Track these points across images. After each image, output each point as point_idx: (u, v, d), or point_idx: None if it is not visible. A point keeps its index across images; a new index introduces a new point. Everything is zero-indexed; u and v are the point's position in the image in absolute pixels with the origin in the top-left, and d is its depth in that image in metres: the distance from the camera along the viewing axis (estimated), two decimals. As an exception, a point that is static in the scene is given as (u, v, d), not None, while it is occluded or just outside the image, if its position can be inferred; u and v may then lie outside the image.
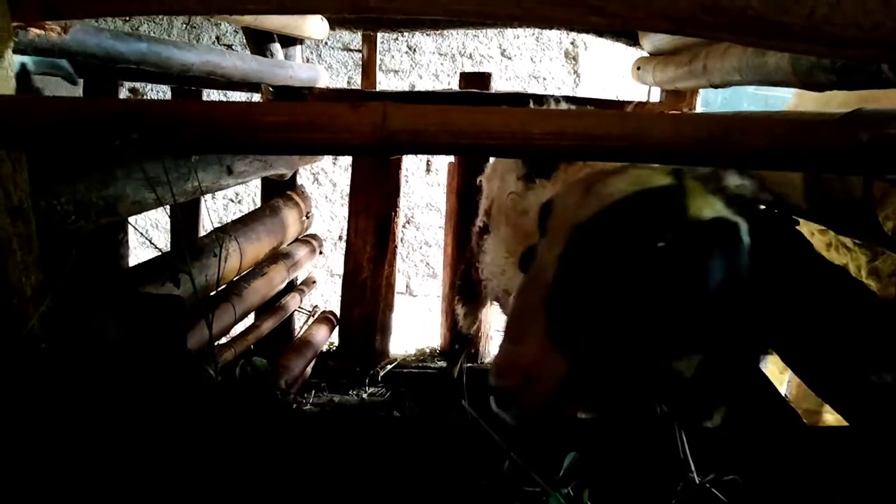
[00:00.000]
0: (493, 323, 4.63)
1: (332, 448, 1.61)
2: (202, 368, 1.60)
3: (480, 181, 3.64)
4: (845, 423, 2.05)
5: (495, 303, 3.68)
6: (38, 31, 1.99)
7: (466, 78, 4.54)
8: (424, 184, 7.29)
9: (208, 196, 6.20)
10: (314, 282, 5.02)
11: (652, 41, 4.00)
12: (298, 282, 4.71)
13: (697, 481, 1.64)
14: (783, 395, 2.52)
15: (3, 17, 1.57)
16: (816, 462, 1.82)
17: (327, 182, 7.25)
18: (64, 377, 1.67)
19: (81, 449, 1.54)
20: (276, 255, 4.06)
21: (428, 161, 7.24)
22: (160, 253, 1.89)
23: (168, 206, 2.14)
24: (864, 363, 1.97)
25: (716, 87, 3.30)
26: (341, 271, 4.74)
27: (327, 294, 6.52)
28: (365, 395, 4.23)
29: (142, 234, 1.71)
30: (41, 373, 1.66)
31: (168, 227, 3.91)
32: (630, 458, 1.70)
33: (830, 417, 3.39)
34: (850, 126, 1.61)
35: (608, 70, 6.82)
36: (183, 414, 1.51)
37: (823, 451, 1.86)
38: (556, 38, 6.84)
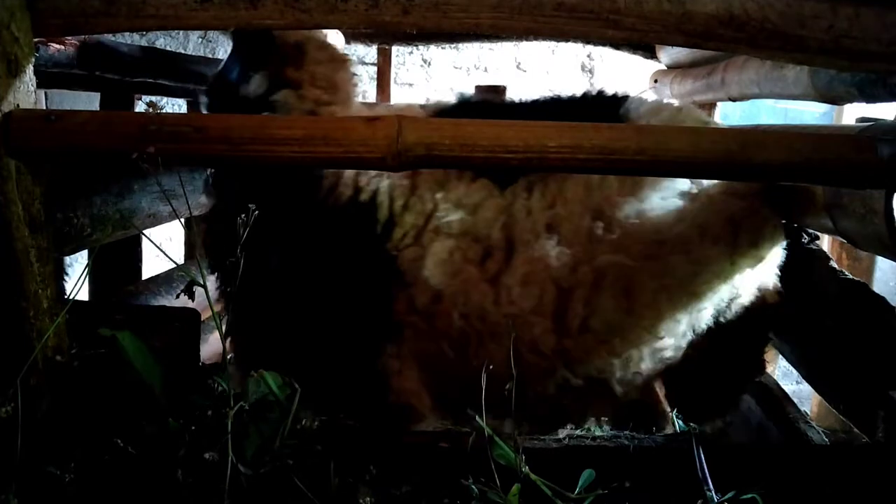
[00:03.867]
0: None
1: (341, 462, 1.60)
2: (215, 381, 1.60)
3: None
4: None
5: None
6: (58, 45, 2.02)
7: (481, 90, 4.53)
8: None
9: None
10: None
11: (669, 54, 3.99)
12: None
13: (716, 499, 1.62)
14: (804, 412, 2.48)
15: (26, 32, 1.59)
16: (837, 479, 1.79)
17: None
18: (79, 389, 1.68)
19: (93, 464, 1.54)
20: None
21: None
22: (175, 265, 1.89)
23: (183, 219, 2.15)
24: (883, 378, 1.94)
25: (734, 100, 3.28)
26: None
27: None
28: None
29: (157, 246, 1.71)
30: (57, 385, 1.67)
31: (182, 239, 3.92)
32: (647, 476, 1.68)
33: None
34: (870, 140, 1.60)
35: (625, 83, 6.80)
36: (193, 430, 1.51)
37: (844, 468, 1.82)
38: (573, 51, 6.84)
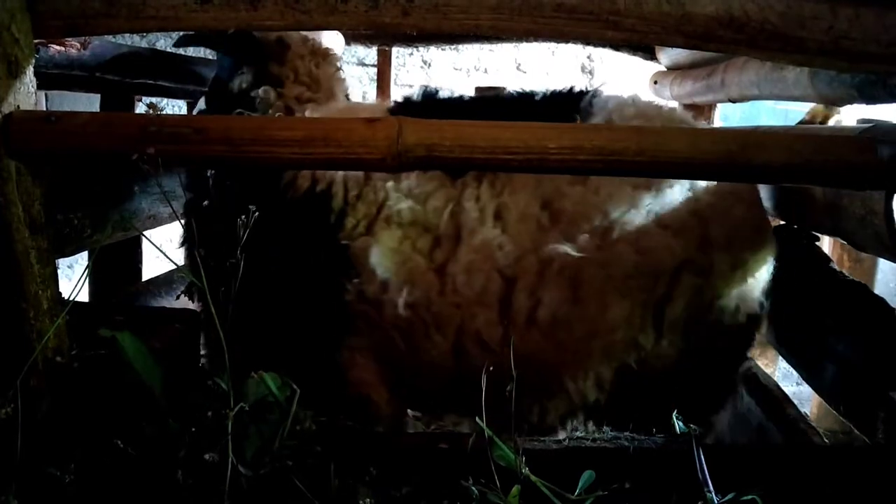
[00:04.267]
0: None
1: (341, 464, 1.60)
2: (215, 382, 1.60)
3: None
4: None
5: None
6: (58, 47, 2.02)
7: (481, 92, 4.54)
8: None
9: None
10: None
11: (669, 55, 3.99)
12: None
13: (716, 500, 1.61)
14: (804, 413, 2.48)
15: (26, 34, 1.59)
16: (837, 480, 1.79)
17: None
18: (78, 390, 1.68)
19: (93, 465, 1.54)
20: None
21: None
22: (175, 267, 1.89)
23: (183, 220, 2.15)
24: (883, 379, 1.94)
25: (734, 101, 3.28)
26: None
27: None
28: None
29: (157, 247, 1.71)
30: (57, 386, 1.66)
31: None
32: (647, 477, 1.68)
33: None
34: (870, 141, 1.60)
35: (624, 84, 6.80)
36: (193, 431, 1.51)
37: (843, 469, 1.82)
38: (573, 53, 6.84)
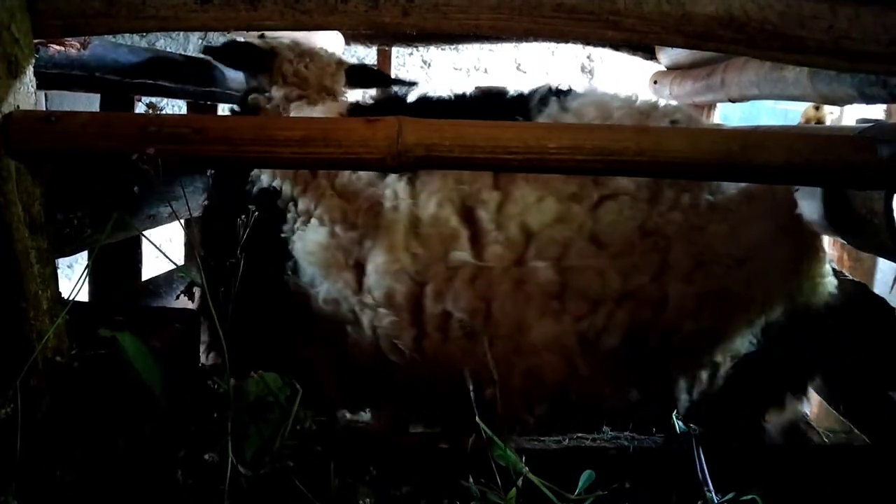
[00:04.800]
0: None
1: (341, 463, 1.60)
2: (215, 382, 1.60)
3: None
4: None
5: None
6: (58, 47, 2.01)
7: (480, 91, 4.53)
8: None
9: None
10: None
11: (669, 55, 3.99)
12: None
13: (716, 500, 1.61)
14: (804, 412, 2.48)
15: (26, 34, 1.59)
16: (837, 479, 1.79)
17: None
18: (78, 390, 1.68)
19: (93, 464, 1.54)
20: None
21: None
22: (175, 266, 1.89)
23: (182, 220, 2.15)
24: (883, 378, 1.94)
25: (734, 101, 3.29)
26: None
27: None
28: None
29: (156, 247, 1.71)
30: (57, 386, 1.66)
31: (182, 241, 3.93)
32: (647, 476, 1.68)
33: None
34: (870, 141, 1.60)
35: (624, 84, 6.80)
36: (193, 431, 1.51)
37: (843, 469, 1.83)
38: (573, 53, 6.84)
